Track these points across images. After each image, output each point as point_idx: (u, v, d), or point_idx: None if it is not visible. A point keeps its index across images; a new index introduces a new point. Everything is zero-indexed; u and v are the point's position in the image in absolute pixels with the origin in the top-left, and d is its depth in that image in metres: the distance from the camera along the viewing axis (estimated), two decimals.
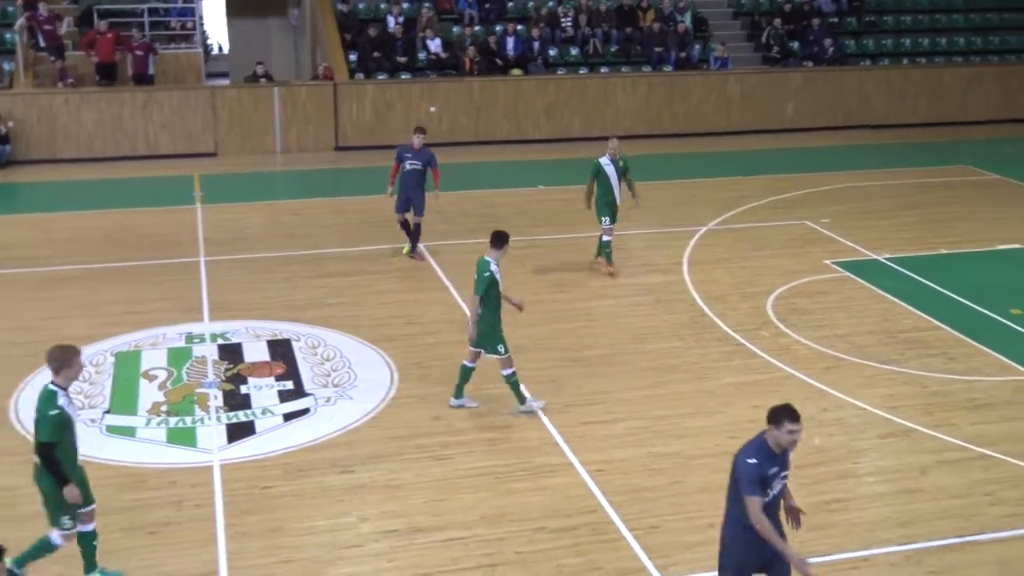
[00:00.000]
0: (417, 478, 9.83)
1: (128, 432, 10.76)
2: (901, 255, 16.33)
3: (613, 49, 25.95)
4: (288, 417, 11.06)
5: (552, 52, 25.52)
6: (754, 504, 6.64)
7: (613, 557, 8.63)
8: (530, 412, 11.00)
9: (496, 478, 9.83)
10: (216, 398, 11.44)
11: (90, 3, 24.06)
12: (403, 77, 24.25)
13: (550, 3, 26.33)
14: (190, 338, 13.02)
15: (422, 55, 24.69)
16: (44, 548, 7.96)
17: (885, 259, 16.16)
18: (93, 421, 10.89)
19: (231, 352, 12.60)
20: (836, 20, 27.94)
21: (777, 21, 26.76)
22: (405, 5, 25.30)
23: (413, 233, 16.07)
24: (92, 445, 10.38)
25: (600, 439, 10.56)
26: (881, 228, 17.81)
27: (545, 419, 10.92)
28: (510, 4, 26.29)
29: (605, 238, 15.21)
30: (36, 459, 7.68)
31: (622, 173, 15.18)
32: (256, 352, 12.62)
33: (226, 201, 19.66)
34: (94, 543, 8.09)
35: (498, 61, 24.69)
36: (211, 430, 10.73)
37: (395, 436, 10.60)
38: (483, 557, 8.61)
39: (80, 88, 22.78)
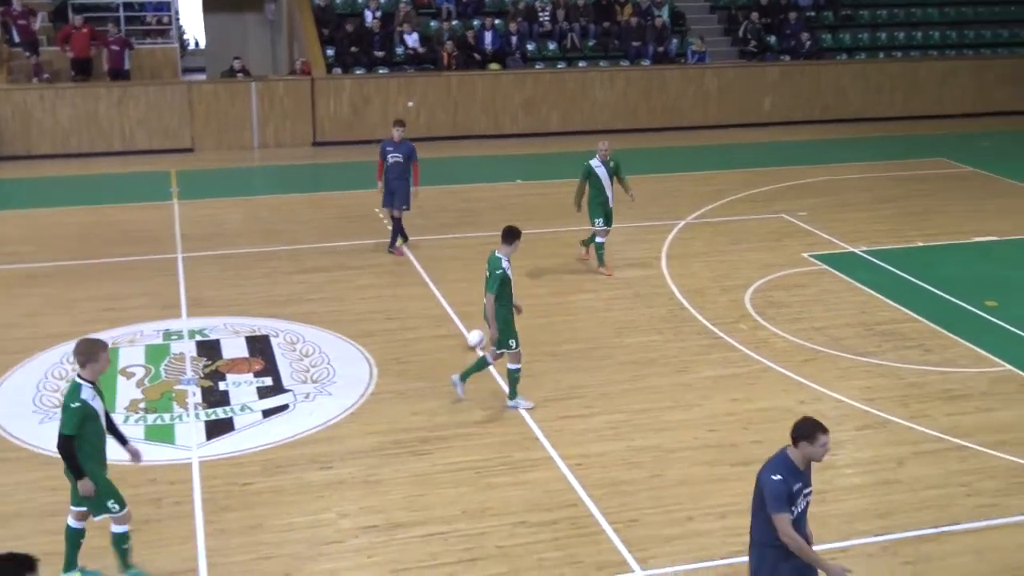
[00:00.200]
0: (397, 473, 9.82)
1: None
2: (878, 248, 16.44)
3: (591, 43, 25.97)
4: (267, 413, 11.03)
5: (530, 46, 25.52)
6: (783, 521, 6.55)
7: (593, 550, 8.66)
8: (515, 408, 11.00)
9: (476, 473, 9.84)
10: (194, 395, 11.40)
11: None
12: (381, 72, 24.20)
13: None
14: (168, 335, 12.96)
15: (400, 50, 24.64)
16: (120, 541, 8.01)
17: (862, 252, 16.26)
18: None
19: (209, 349, 12.55)
20: (813, 14, 28.06)
21: (754, 15, 26.85)
22: (382, 0, 25.24)
23: (395, 227, 16.08)
24: None
25: (579, 433, 10.59)
26: (858, 221, 17.91)
27: (525, 414, 10.94)
28: None
29: (599, 239, 15.13)
30: None
31: (613, 174, 15.06)
32: (234, 348, 12.58)
33: (203, 197, 19.58)
34: (80, 540, 8.08)
35: (476, 56, 24.67)
36: (190, 427, 10.69)
37: (374, 432, 10.60)
38: (463, 552, 8.62)
39: (55, 84, 22.64)
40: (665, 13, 26.60)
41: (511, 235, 10.91)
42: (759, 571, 6.86)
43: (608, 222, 15.13)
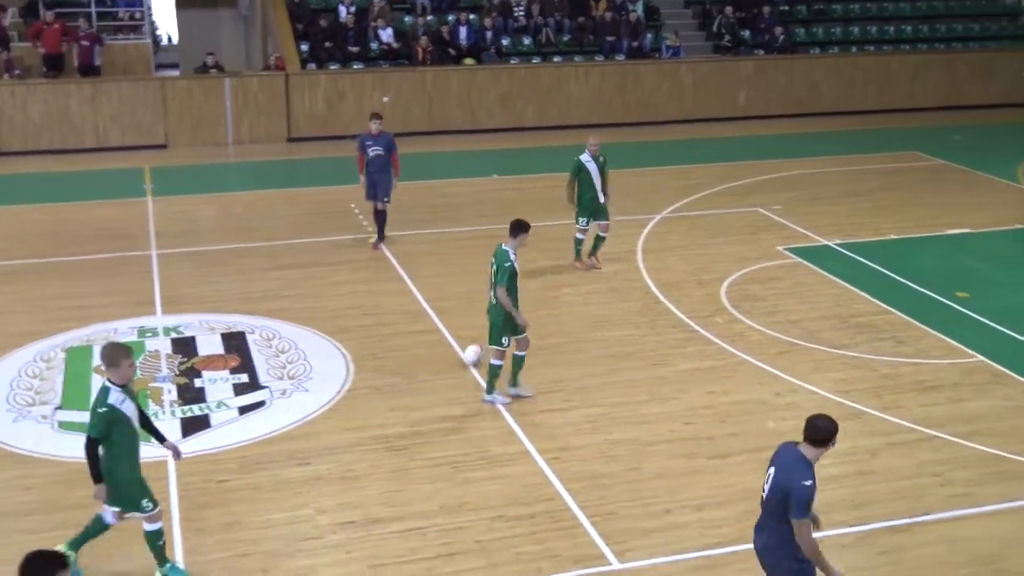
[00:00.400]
0: (374, 469, 9.82)
1: (81, 428, 10.56)
2: (851, 240, 16.55)
3: (566, 38, 25.99)
4: (243, 410, 11.00)
5: (505, 41, 25.52)
6: (806, 527, 6.50)
7: (571, 544, 8.68)
8: (497, 402, 11.01)
9: (454, 468, 9.85)
10: (170, 392, 11.35)
11: None
12: (355, 67, 24.13)
13: None
14: (143, 332, 12.90)
15: (374, 45, 24.57)
16: (154, 538, 8.05)
17: (836, 245, 16.36)
18: (44, 417, 10.77)
19: (184, 346, 12.50)
20: (786, 8, 28.19)
21: (728, 10, 26.93)
22: None
23: (380, 220, 16.11)
24: (44, 441, 10.29)
25: (556, 427, 10.62)
26: (832, 214, 18.02)
27: (502, 408, 10.96)
28: None
29: (578, 236, 15.12)
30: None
31: (603, 170, 14.93)
32: (210, 345, 12.53)
33: (177, 193, 19.47)
34: (100, 533, 8.13)
35: (451, 51, 24.64)
36: (165, 424, 10.61)
37: (351, 427, 10.59)
38: (441, 547, 8.63)
39: (26, 80, 22.44)
40: (639, 8, 26.65)
41: (518, 228, 10.83)
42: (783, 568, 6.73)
43: (602, 217, 14.98)
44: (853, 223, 17.52)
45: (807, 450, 6.70)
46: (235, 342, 12.60)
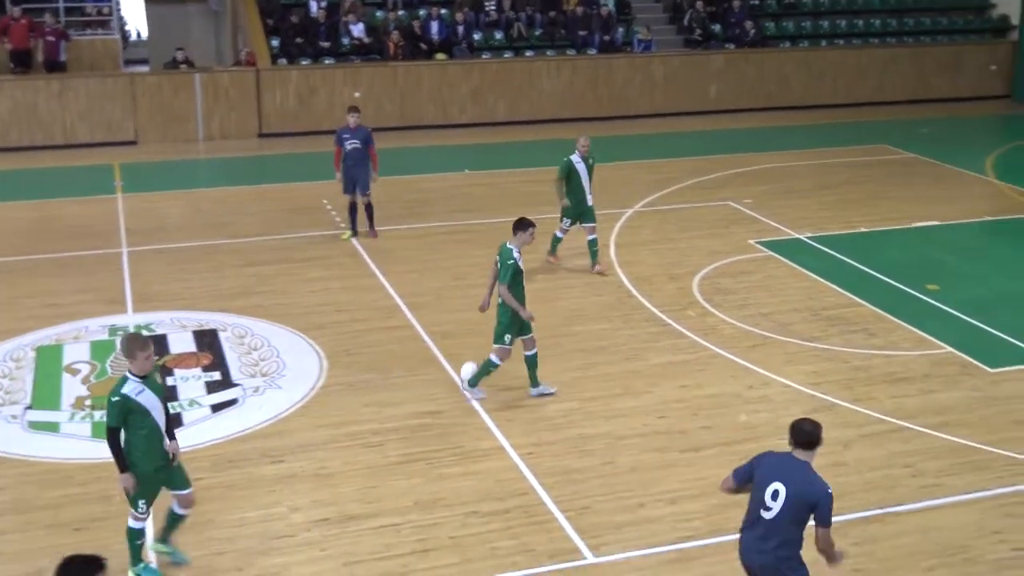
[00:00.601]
0: (348, 466, 9.81)
1: (51, 427, 10.56)
2: (822, 234, 16.65)
3: (537, 33, 25.99)
4: (216, 408, 10.95)
5: (476, 36, 25.48)
6: (831, 534, 6.58)
7: (546, 539, 8.71)
8: (473, 397, 10.98)
9: (428, 464, 9.85)
10: None
11: None
12: (326, 62, 24.04)
13: None
14: (113, 330, 12.81)
15: (345, 40, 24.48)
16: (133, 536, 8.08)
17: (807, 238, 16.46)
18: (14, 417, 10.68)
19: (156, 343, 12.37)
20: (757, 2, 28.30)
21: (699, 4, 27.01)
22: None
23: (367, 214, 16.16)
24: (13, 442, 10.20)
25: (530, 422, 10.63)
26: (803, 207, 18.13)
27: (476, 404, 10.96)
28: None
29: (558, 234, 14.90)
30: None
31: (591, 171, 14.66)
32: (182, 343, 12.46)
33: (148, 190, 19.33)
34: (177, 523, 8.22)
35: (422, 45, 24.58)
36: None
37: (325, 424, 10.56)
38: (416, 543, 8.63)
39: None
40: (611, 2, 26.70)
41: (520, 225, 10.81)
42: None
43: (588, 219, 14.66)
44: (824, 216, 17.63)
45: (804, 456, 6.73)
46: (207, 339, 12.53)
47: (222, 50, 27.77)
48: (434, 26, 24.78)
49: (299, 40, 24.10)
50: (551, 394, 11.14)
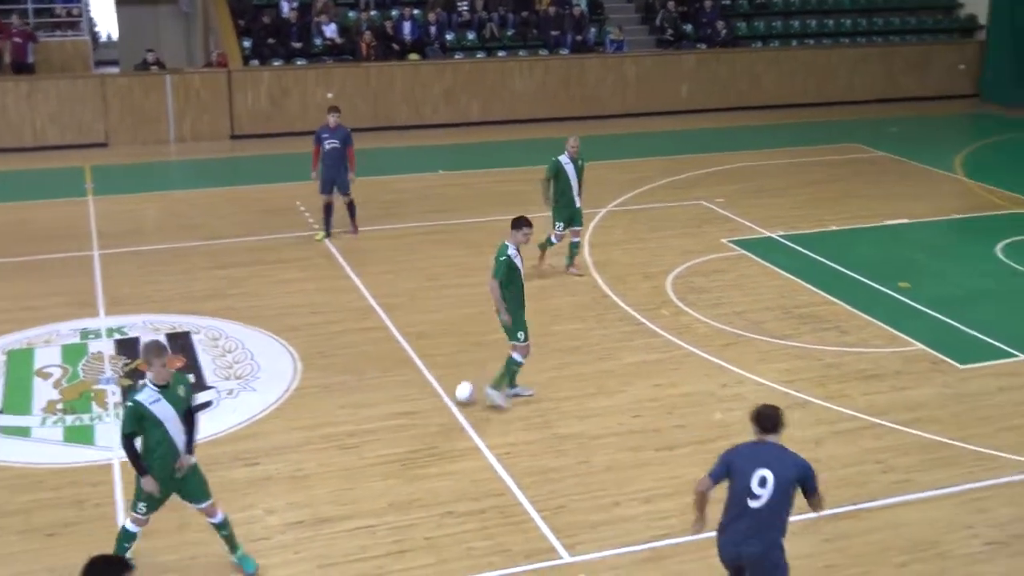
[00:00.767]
0: (323, 468, 9.79)
1: (23, 432, 10.48)
2: (794, 232, 16.76)
3: (510, 33, 26.02)
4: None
5: (449, 36, 25.48)
6: (820, 498, 6.99)
7: (521, 539, 8.72)
8: (490, 398, 10.80)
9: (403, 465, 9.85)
10: (114, 394, 11.21)
11: None
12: (299, 63, 23.97)
13: None
14: (85, 334, 12.72)
15: (318, 40, 24.42)
16: (124, 538, 8.07)
17: (779, 236, 16.57)
18: None
19: (128, 347, 12.34)
20: (728, 2, 28.44)
21: (671, 4, 27.13)
22: None
23: (349, 213, 16.21)
24: None
25: (505, 422, 10.65)
26: (774, 206, 18.25)
27: (451, 404, 10.97)
28: None
29: (553, 239, 14.63)
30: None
31: (580, 173, 14.54)
32: None
33: (119, 192, 19.21)
34: (227, 529, 8.19)
35: (395, 46, 24.55)
36: (110, 427, 10.51)
37: (300, 427, 10.54)
38: (392, 544, 8.63)
39: None
40: (583, 2, 26.76)
41: (516, 223, 10.79)
42: (783, 567, 6.96)
43: (578, 222, 14.62)
44: (795, 215, 17.75)
45: (775, 439, 6.92)
46: (180, 342, 12.47)
47: (193, 51, 27.63)
48: (406, 26, 24.76)
49: (271, 41, 24.02)
50: (529, 395, 11.15)
